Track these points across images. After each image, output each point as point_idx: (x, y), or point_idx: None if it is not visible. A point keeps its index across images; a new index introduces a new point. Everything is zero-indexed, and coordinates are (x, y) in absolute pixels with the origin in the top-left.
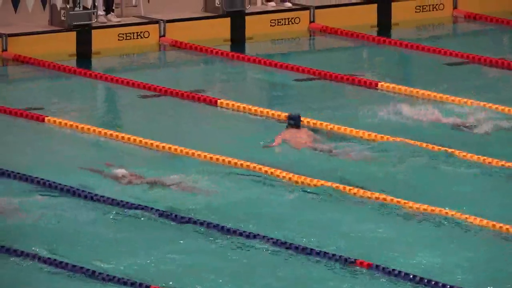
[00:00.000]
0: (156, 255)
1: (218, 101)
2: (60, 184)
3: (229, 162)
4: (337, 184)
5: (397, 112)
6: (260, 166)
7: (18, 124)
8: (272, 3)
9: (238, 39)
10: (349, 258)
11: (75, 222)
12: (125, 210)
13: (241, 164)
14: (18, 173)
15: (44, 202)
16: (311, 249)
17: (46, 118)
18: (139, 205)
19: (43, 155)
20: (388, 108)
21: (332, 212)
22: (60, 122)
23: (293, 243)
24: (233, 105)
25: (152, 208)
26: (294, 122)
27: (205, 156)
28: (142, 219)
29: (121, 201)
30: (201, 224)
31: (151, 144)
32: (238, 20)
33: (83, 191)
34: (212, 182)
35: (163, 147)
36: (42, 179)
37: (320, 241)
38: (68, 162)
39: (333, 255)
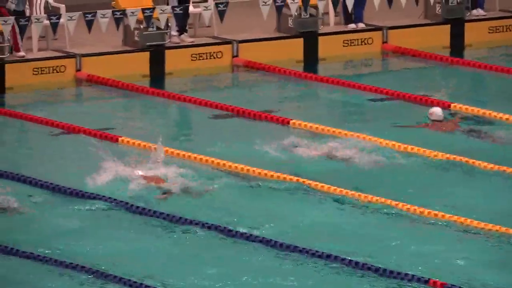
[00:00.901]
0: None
1: (291, 121)
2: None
3: (303, 182)
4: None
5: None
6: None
7: (91, 144)
8: (352, 25)
9: (311, 60)
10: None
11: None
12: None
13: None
14: (86, 192)
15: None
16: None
17: (119, 139)
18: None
19: (117, 174)
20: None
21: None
22: (133, 143)
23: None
24: (305, 125)
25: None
26: None
27: (278, 177)
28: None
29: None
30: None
31: (223, 164)
32: (311, 41)
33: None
34: (285, 201)
35: (236, 167)
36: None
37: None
38: (138, 181)
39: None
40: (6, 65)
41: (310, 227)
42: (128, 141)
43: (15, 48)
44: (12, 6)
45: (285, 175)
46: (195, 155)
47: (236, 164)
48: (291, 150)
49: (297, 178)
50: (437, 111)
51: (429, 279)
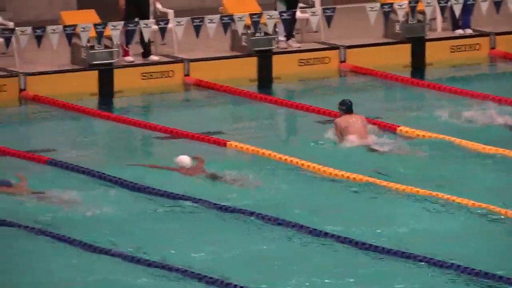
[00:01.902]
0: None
1: (398, 128)
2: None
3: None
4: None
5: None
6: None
7: (199, 149)
8: (460, 30)
9: (418, 65)
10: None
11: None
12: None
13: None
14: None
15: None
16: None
17: (227, 143)
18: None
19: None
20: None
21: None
22: (241, 147)
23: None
24: (412, 132)
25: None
26: (346, 107)
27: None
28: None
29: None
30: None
31: (335, 174)
32: (418, 46)
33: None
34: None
35: (353, 177)
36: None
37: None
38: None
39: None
40: (115, 70)
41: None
42: (236, 146)
43: (123, 53)
44: None
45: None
46: (303, 161)
47: (342, 172)
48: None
49: None
50: None
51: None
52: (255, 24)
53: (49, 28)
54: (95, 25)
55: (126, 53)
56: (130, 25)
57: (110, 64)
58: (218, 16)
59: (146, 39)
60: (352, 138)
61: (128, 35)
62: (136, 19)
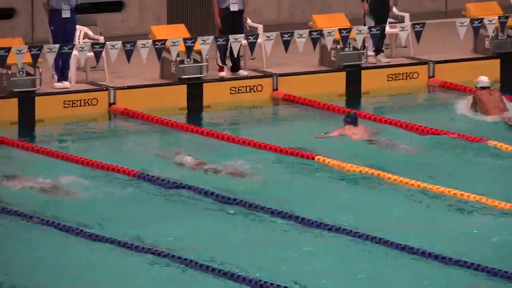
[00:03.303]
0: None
1: (488, 141)
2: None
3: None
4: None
5: None
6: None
7: (287, 162)
8: None
9: (506, 80)
10: None
11: None
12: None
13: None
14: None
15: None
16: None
17: (316, 157)
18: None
19: (315, 193)
20: None
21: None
22: (329, 162)
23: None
24: (501, 146)
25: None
26: (351, 120)
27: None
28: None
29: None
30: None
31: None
32: (508, 62)
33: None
34: None
35: (461, 194)
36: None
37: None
38: (336, 201)
39: None
40: (204, 84)
41: None
42: (323, 160)
43: (219, 68)
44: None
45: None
46: (395, 176)
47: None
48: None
49: None
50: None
51: None
52: (344, 39)
53: (139, 42)
54: (185, 39)
55: (221, 69)
56: (220, 39)
57: (199, 78)
58: (307, 31)
59: (235, 54)
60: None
61: (221, 50)
62: None
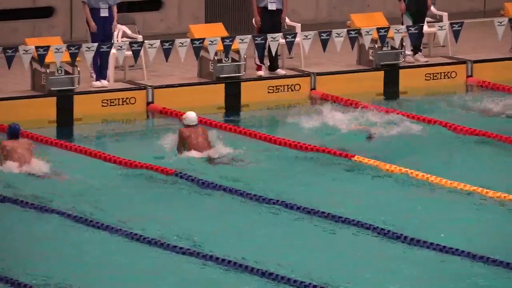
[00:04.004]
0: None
1: None
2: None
3: None
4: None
5: None
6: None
7: (326, 162)
8: None
9: None
10: None
11: None
12: None
13: None
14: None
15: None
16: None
17: (354, 157)
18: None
19: (353, 193)
20: None
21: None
22: (367, 161)
23: None
24: None
25: None
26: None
27: None
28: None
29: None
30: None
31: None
32: None
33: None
34: None
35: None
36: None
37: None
38: (372, 200)
39: None
40: (242, 83)
41: None
42: (361, 160)
43: (257, 67)
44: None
45: None
46: (422, 173)
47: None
48: None
49: None
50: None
51: None
52: (382, 38)
53: (178, 41)
54: (223, 38)
55: (259, 68)
56: (258, 38)
57: (237, 77)
58: (345, 30)
59: (273, 53)
60: None
61: (259, 49)
62: None
